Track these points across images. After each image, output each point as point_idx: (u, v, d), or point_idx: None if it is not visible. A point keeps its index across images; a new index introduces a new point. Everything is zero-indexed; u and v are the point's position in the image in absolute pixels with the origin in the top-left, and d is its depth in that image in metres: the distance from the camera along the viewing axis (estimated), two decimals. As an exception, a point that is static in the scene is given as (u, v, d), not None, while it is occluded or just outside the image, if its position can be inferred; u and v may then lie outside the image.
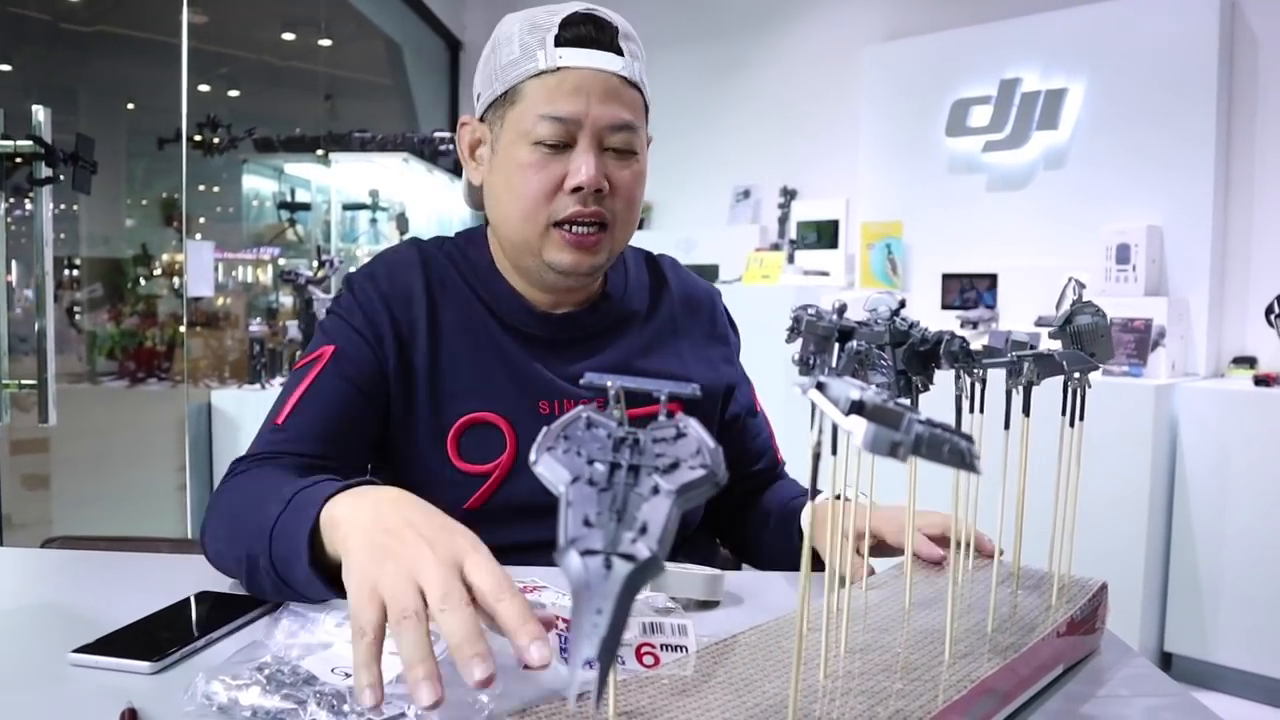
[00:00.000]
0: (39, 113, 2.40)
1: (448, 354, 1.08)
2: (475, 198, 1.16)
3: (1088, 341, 0.69)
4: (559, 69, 1.00)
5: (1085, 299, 0.71)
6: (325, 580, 0.75)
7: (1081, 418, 0.69)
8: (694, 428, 0.44)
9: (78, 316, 3.84)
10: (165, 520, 3.42)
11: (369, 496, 0.74)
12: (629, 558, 0.38)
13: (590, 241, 1.04)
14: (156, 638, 0.75)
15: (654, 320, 1.18)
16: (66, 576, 1.00)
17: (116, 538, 1.40)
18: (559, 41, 1.00)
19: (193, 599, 0.86)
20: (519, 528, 1.04)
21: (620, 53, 1.03)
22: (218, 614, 0.81)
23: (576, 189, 1.00)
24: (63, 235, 4.07)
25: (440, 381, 1.07)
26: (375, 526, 0.68)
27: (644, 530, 0.40)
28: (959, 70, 4.00)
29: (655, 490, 0.41)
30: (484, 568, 0.62)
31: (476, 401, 1.07)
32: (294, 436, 1.00)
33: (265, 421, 1.04)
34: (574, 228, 1.03)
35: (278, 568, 0.79)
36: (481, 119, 1.09)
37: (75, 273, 4.06)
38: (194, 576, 0.94)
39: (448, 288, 1.11)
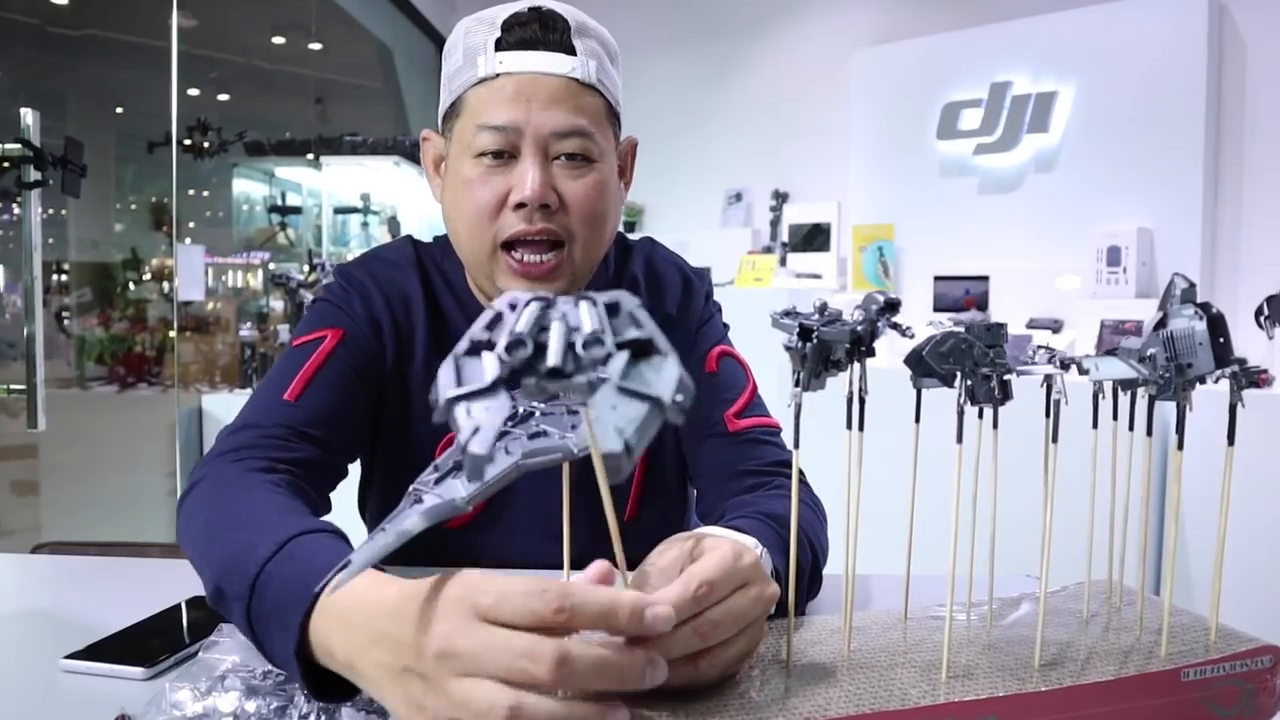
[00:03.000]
0: (27, 116, 2.39)
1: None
2: None
3: (1183, 350, 0.60)
4: (499, 75, 0.92)
5: (1190, 296, 0.61)
6: (305, 669, 0.60)
7: (1180, 446, 0.63)
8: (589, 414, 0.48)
9: (66, 321, 3.82)
10: (155, 525, 3.40)
11: (353, 622, 0.56)
12: (436, 496, 0.48)
13: (543, 270, 0.94)
14: (149, 644, 0.74)
15: None
16: (57, 582, 0.99)
17: (107, 543, 1.39)
18: (500, 45, 0.93)
19: (184, 604, 0.85)
20: (514, 536, 1.03)
21: (572, 51, 0.94)
22: (210, 619, 0.80)
23: (520, 205, 0.92)
24: (51, 240, 4.05)
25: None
26: (383, 664, 0.53)
27: (471, 479, 0.48)
28: (949, 73, 4.01)
29: (507, 451, 0.49)
30: (499, 594, 0.50)
31: None
32: (306, 417, 0.92)
33: (267, 392, 0.94)
34: (524, 255, 0.94)
35: (255, 626, 0.65)
36: (442, 133, 1.02)
37: (64, 277, 4.04)
38: (185, 582, 0.93)
39: (439, 295, 1.06)
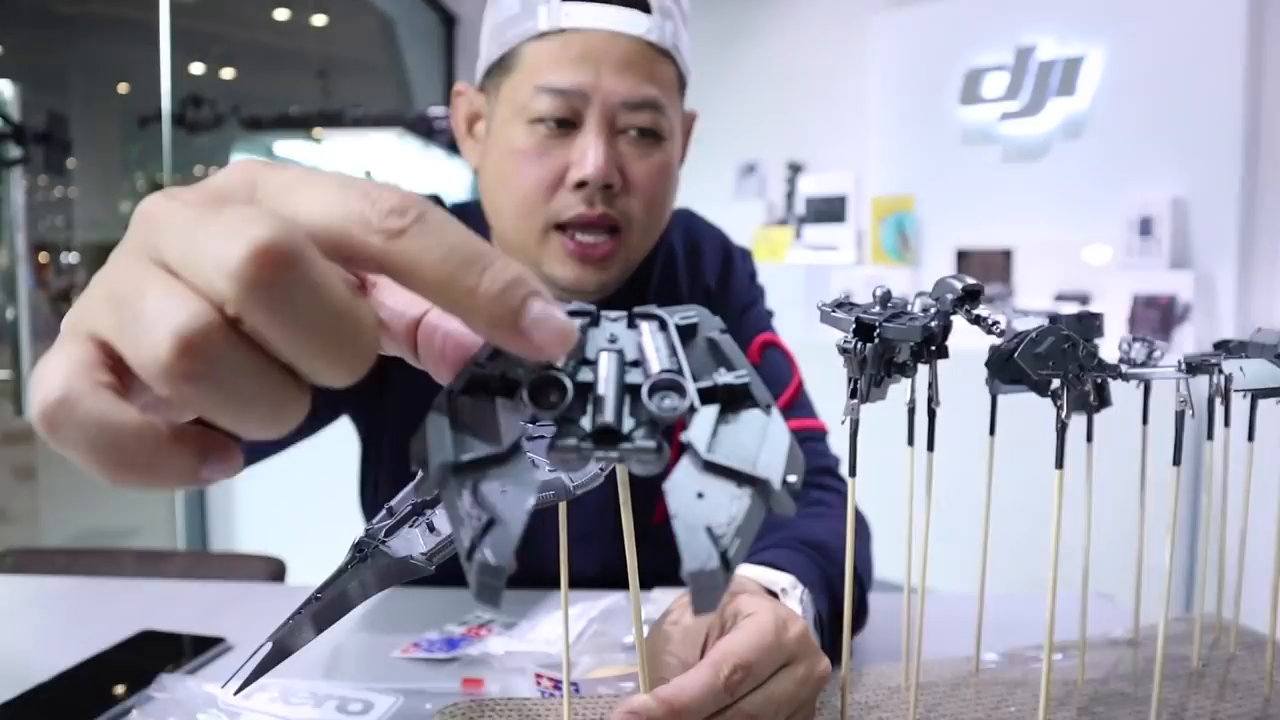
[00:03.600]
0: (6, 89, 2.27)
1: None
2: None
3: None
4: (564, 30, 0.80)
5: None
6: None
7: None
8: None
9: (59, 304, 3.72)
10: (156, 508, 3.32)
11: None
12: (387, 552, 0.37)
13: (598, 254, 0.83)
14: (80, 697, 0.63)
15: (670, 301, 1.00)
16: (4, 614, 0.88)
17: (78, 550, 1.29)
18: None
19: (130, 643, 0.74)
20: (537, 543, 0.92)
21: (647, 9, 0.82)
22: (158, 660, 0.69)
23: (581, 184, 0.81)
24: (59, 220, 3.99)
25: None
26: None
27: (432, 529, 0.36)
28: (972, 37, 3.84)
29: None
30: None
31: None
32: None
33: None
34: (577, 234, 0.83)
35: None
36: (481, 89, 0.90)
37: (73, 258, 3.95)
38: (143, 608, 0.82)
39: None
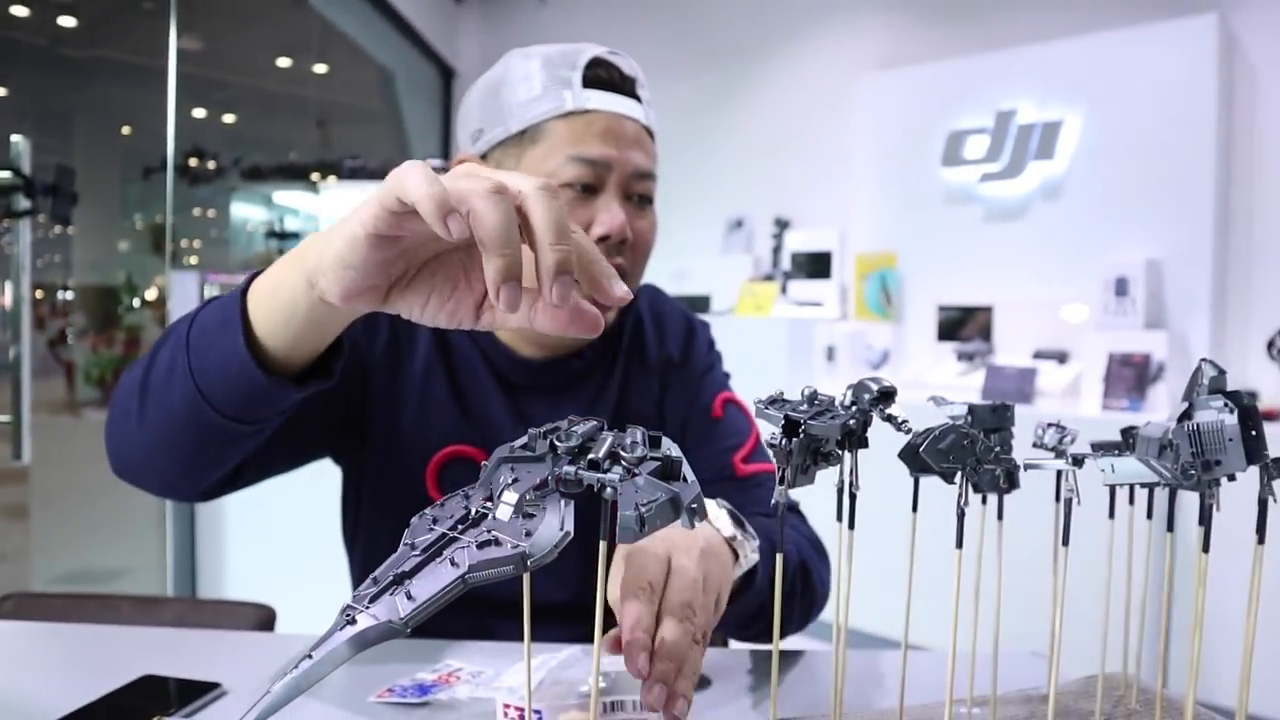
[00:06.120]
0: (18, 143, 2.36)
1: (442, 380, 1.04)
2: None
3: (1211, 446, 0.51)
4: (587, 111, 0.96)
5: (1219, 385, 0.53)
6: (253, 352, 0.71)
7: (1206, 549, 0.55)
8: (550, 511, 0.47)
9: (56, 347, 3.78)
10: (146, 550, 3.36)
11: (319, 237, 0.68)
12: (371, 617, 0.45)
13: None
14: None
15: (638, 360, 1.13)
16: (6, 659, 0.93)
17: (76, 594, 1.34)
18: (586, 83, 0.97)
19: (117, 694, 0.79)
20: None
21: (639, 99, 1.01)
22: (158, 704, 0.75)
23: (603, 238, 0.95)
24: (56, 258, 4.04)
25: (430, 405, 1.03)
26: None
27: (410, 597, 0.45)
28: (954, 101, 3.97)
29: (453, 563, 0.46)
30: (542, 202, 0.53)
31: (462, 434, 1.03)
32: None
33: None
34: None
35: (192, 360, 0.73)
36: (485, 157, 1.02)
37: (62, 299, 4.01)
38: (143, 654, 0.88)
39: None
